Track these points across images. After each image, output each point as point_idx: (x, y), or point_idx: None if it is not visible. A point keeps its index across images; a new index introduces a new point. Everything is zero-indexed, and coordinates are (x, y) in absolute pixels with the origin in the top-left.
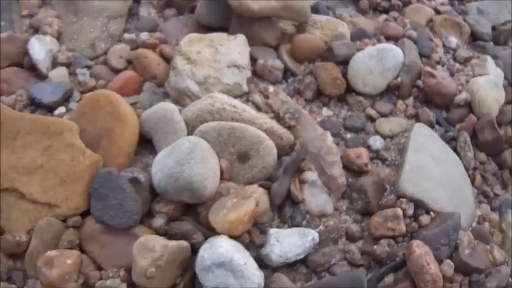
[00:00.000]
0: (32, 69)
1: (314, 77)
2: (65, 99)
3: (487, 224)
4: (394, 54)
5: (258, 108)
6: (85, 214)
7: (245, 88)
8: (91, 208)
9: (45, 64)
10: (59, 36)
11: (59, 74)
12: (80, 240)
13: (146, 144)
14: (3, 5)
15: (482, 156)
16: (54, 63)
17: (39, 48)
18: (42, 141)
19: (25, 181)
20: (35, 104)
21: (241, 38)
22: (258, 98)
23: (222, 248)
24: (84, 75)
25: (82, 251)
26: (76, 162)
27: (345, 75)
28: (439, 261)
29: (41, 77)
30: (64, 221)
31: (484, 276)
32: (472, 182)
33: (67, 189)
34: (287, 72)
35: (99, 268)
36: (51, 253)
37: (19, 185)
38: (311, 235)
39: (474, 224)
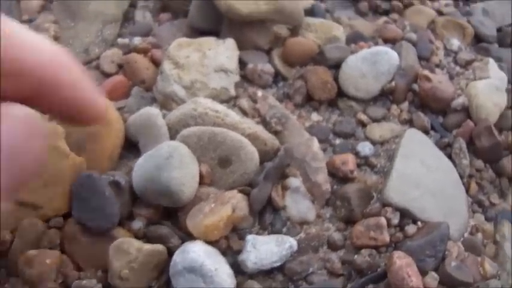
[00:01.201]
0: None
1: (304, 81)
2: None
3: (479, 235)
4: (388, 57)
5: (244, 113)
6: (67, 216)
7: (232, 93)
8: (72, 210)
9: None
10: (55, 41)
11: None
12: (60, 241)
13: (132, 148)
14: (4, 10)
15: (479, 163)
16: None
17: None
18: None
19: None
20: None
21: (230, 42)
22: (245, 102)
23: (194, 253)
24: None
25: (63, 251)
26: (59, 165)
27: (336, 79)
28: (424, 274)
29: None
30: (47, 221)
31: None
32: (467, 190)
33: (50, 191)
34: (278, 77)
35: (78, 268)
36: (32, 252)
37: None
38: (289, 242)
39: (466, 235)
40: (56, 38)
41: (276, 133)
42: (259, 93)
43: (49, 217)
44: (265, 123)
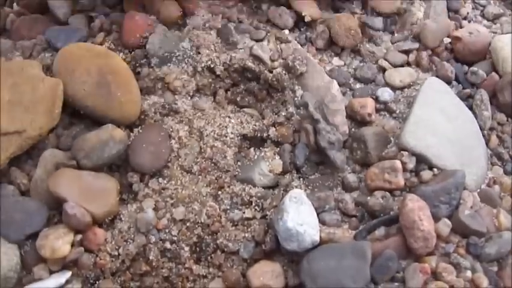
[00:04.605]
0: (54, 16)
1: (327, 27)
2: None
3: (497, 187)
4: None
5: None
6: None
7: None
8: None
9: (65, 11)
10: None
11: (78, 21)
12: None
13: None
14: None
15: (501, 117)
16: (74, 11)
17: None
18: (7, 81)
19: None
20: (51, 48)
21: None
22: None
23: None
24: (101, 21)
25: None
26: (36, 90)
27: None
28: (437, 220)
29: (61, 23)
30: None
31: (484, 240)
32: (487, 142)
33: (31, 113)
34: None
35: None
36: None
37: None
38: None
39: (483, 186)
40: None
41: (298, 76)
42: (286, 31)
43: (33, 137)
44: (288, 67)
